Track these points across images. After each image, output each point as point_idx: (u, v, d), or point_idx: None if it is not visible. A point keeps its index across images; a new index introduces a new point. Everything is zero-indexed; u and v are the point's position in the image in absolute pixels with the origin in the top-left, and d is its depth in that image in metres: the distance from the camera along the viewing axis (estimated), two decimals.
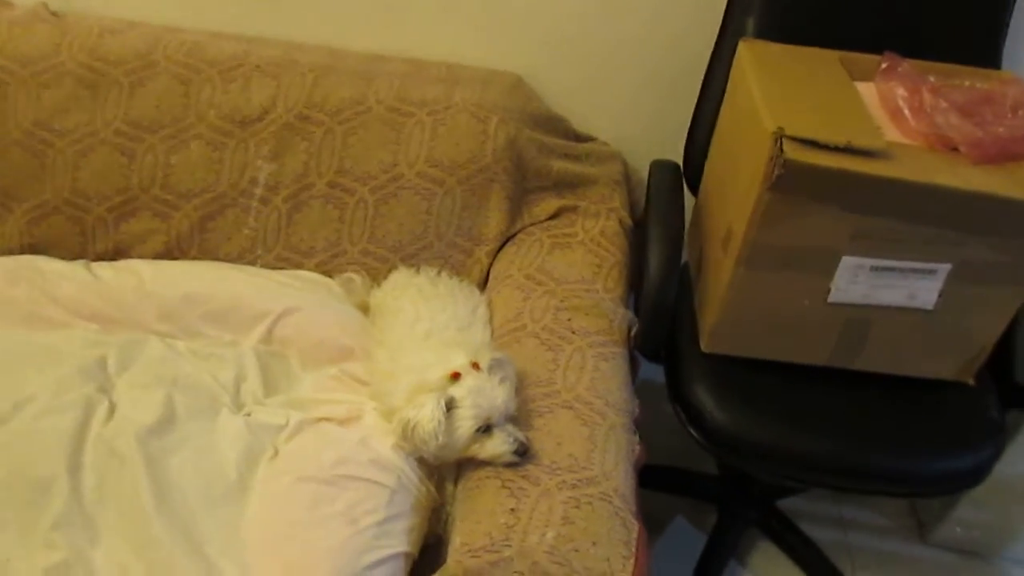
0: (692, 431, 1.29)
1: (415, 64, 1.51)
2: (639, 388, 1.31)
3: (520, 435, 1.09)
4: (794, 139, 1.08)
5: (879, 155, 1.10)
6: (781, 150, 1.07)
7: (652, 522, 1.74)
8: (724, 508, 1.66)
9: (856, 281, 1.19)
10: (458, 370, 1.10)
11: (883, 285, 1.20)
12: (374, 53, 1.53)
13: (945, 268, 1.17)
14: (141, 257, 1.42)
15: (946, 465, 1.28)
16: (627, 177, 1.60)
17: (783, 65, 1.26)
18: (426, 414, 1.05)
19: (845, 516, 1.78)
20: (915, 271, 1.18)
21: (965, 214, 1.12)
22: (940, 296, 1.20)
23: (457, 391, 1.09)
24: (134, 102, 1.39)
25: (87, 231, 1.42)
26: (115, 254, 1.43)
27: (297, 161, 1.40)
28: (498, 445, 1.08)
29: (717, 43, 1.42)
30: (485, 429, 1.09)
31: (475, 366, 1.12)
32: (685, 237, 1.48)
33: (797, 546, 1.68)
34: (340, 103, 1.40)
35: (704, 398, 1.28)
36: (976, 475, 1.29)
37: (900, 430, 1.28)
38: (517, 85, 1.52)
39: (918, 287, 1.20)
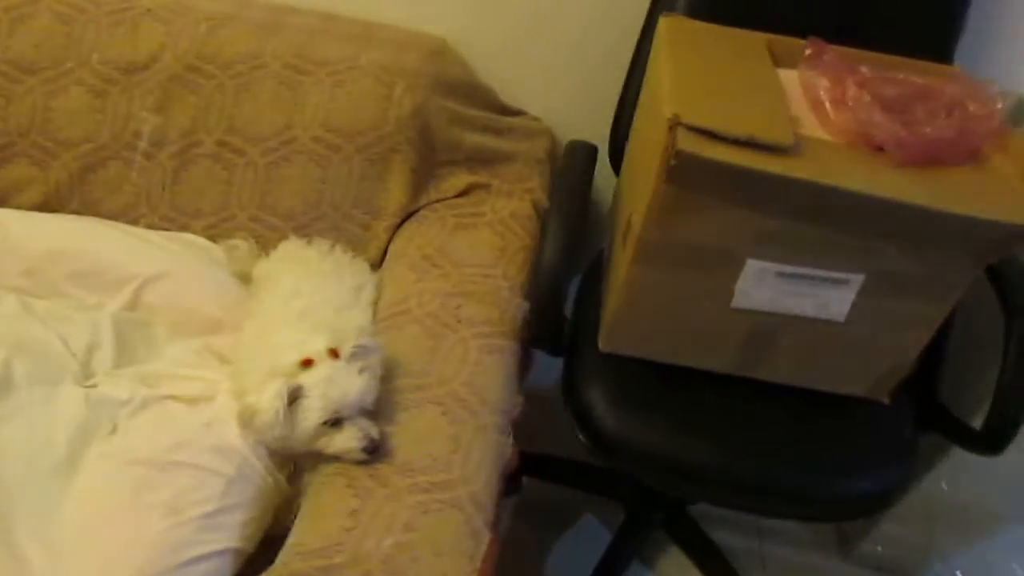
0: (579, 433, 1.21)
1: (328, 19, 1.40)
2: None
3: (373, 431, 1.01)
4: (691, 128, 0.98)
5: (784, 151, 0.99)
6: (675, 139, 0.97)
7: (559, 517, 1.71)
8: (631, 508, 1.59)
9: (761, 286, 1.10)
10: (312, 356, 1.02)
11: (791, 292, 1.10)
12: (287, 5, 1.43)
13: (858, 278, 1.08)
14: (19, 207, 1.33)
15: (848, 486, 1.19)
16: (553, 155, 1.50)
17: (701, 45, 1.15)
18: (264, 402, 0.97)
19: (764, 525, 1.71)
20: (825, 280, 1.09)
21: (878, 221, 1.02)
22: (853, 307, 1.11)
23: (307, 379, 1.00)
24: (13, 40, 1.29)
25: None
26: None
27: (184, 116, 1.31)
28: (346, 441, 1.00)
29: (648, 17, 1.32)
30: (335, 423, 1.01)
31: (333, 353, 1.03)
32: (605, 221, 1.39)
33: (703, 552, 1.61)
34: (234, 56, 1.30)
35: (594, 399, 1.19)
36: (882, 499, 1.21)
37: (801, 446, 1.19)
38: (439, 50, 1.42)
39: (829, 296, 1.10)
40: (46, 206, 1.34)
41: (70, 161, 1.32)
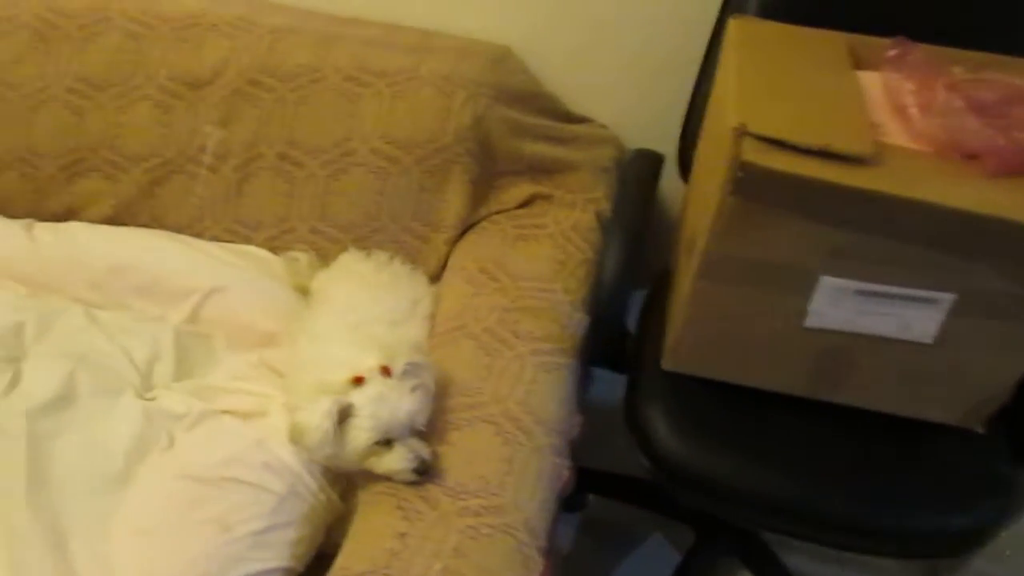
0: (642, 456, 1.15)
1: (389, 29, 1.39)
2: None
3: (424, 452, 0.98)
4: (760, 137, 0.92)
5: (863, 162, 0.92)
6: (740, 150, 0.91)
7: (625, 536, 1.64)
8: (700, 531, 1.52)
9: (837, 305, 1.02)
10: (362, 374, 1.00)
11: (871, 312, 1.02)
12: (349, 16, 1.42)
13: (948, 298, 0.99)
14: (92, 220, 1.36)
15: (939, 523, 1.10)
16: (620, 164, 1.45)
17: (773, 48, 1.08)
18: (313, 420, 0.96)
19: (845, 553, 1.61)
20: (909, 299, 1.00)
21: (969, 237, 0.93)
22: (942, 329, 1.02)
23: (357, 398, 0.98)
24: (85, 57, 1.32)
25: (40, 189, 1.37)
26: (67, 214, 1.38)
27: (247, 129, 1.31)
28: (396, 461, 0.97)
29: (718, 19, 1.25)
30: (385, 442, 0.98)
31: (385, 370, 1.01)
32: (673, 234, 1.33)
33: None
34: (295, 69, 1.29)
35: (657, 420, 1.14)
36: (975, 538, 1.11)
37: (884, 479, 1.10)
38: (501, 58, 1.39)
39: (914, 317, 1.02)
40: (117, 219, 1.37)
41: (139, 175, 1.34)
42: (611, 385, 1.35)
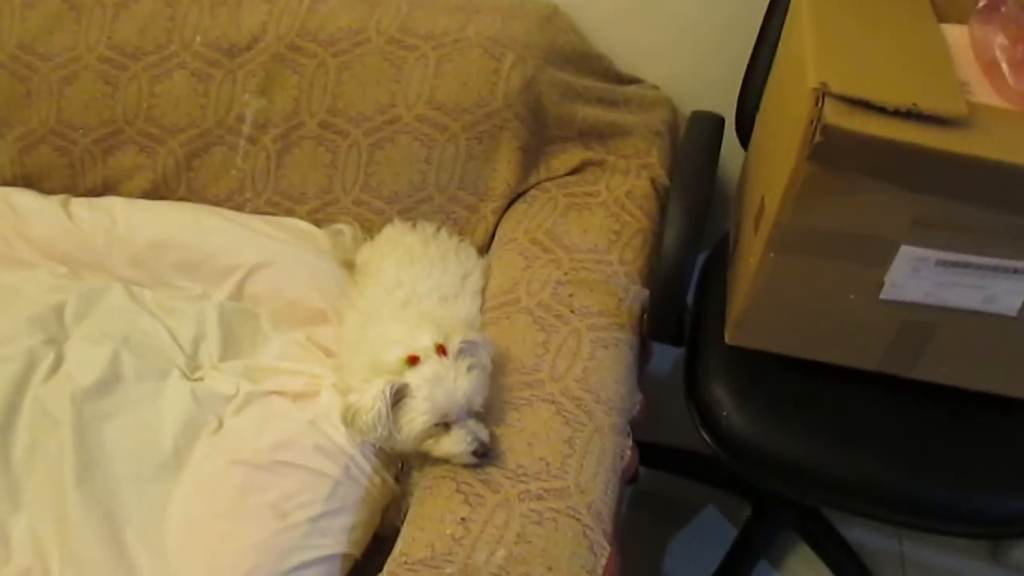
0: (704, 434, 1.10)
1: None
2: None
3: (483, 434, 0.94)
4: (842, 98, 0.85)
5: (954, 124, 0.85)
6: (821, 112, 0.85)
7: (679, 510, 1.61)
8: (758, 504, 1.48)
9: (917, 276, 0.96)
10: (418, 353, 0.96)
11: (952, 284, 0.96)
12: None
13: None
14: (129, 194, 1.33)
15: (1017, 506, 1.06)
16: (673, 127, 1.38)
17: (850, 1, 1.01)
18: (366, 402, 0.92)
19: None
20: (995, 269, 0.94)
21: None
22: None
23: (413, 378, 0.94)
24: (118, 25, 1.27)
25: (75, 164, 1.33)
26: (104, 189, 1.34)
27: (287, 97, 1.26)
28: (454, 444, 0.93)
29: None
30: (442, 424, 0.95)
31: (441, 350, 0.97)
32: (732, 201, 1.27)
33: (837, 553, 1.47)
34: (336, 32, 1.24)
35: (722, 397, 1.09)
36: None
37: (964, 458, 1.05)
38: (550, 17, 1.32)
39: (998, 289, 0.96)
40: (155, 193, 1.33)
41: (176, 148, 1.30)
42: (660, 354, 1.31)
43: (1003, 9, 0.95)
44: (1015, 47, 0.92)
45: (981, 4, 0.96)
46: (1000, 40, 0.93)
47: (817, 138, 0.86)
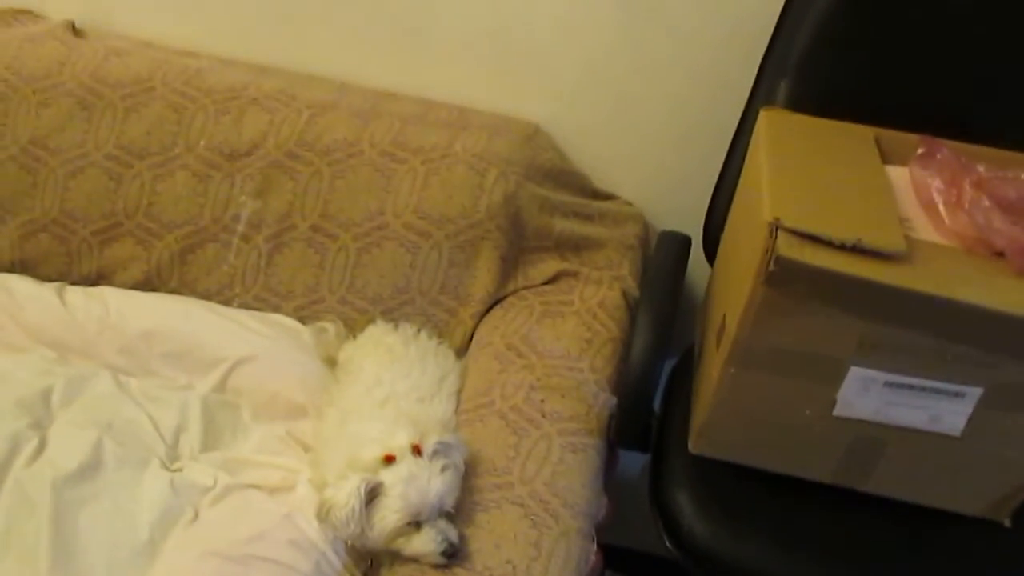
0: (667, 540, 1.14)
1: (425, 105, 1.42)
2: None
3: (452, 534, 0.98)
4: (793, 232, 0.94)
5: (895, 258, 0.94)
6: (775, 244, 0.93)
7: None
8: None
9: (866, 395, 1.03)
10: (394, 452, 1.00)
11: (900, 403, 1.03)
12: (386, 90, 1.46)
13: (975, 392, 1.00)
14: (122, 284, 1.38)
15: None
16: (644, 242, 1.47)
17: (803, 140, 1.11)
18: (341, 498, 0.95)
19: None
20: (938, 391, 1.01)
21: (998, 334, 0.94)
22: (969, 422, 1.02)
23: (388, 477, 0.98)
24: (127, 127, 1.35)
25: (72, 252, 1.38)
26: (97, 278, 1.39)
27: (282, 200, 1.34)
28: (425, 544, 0.96)
29: (746, 107, 1.28)
30: (414, 523, 0.98)
31: (416, 449, 1.01)
32: (699, 312, 1.34)
33: None
34: (332, 143, 1.32)
35: (684, 504, 1.14)
36: None
37: (910, 569, 1.10)
38: (532, 136, 1.42)
39: (942, 409, 1.02)
40: (147, 284, 1.38)
41: (172, 242, 1.36)
42: (630, 458, 1.35)
43: (939, 156, 1.05)
44: (950, 190, 1.02)
45: (920, 151, 1.07)
46: (937, 183, 1.03)
47: (772, 267, 0.94)
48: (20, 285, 1.33)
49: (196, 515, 1.05)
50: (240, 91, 1.36)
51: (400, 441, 1.01)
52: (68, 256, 1.39)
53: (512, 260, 1.35)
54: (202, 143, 1.34)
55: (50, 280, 1.39)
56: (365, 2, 1.43)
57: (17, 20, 1.50)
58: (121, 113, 1.36)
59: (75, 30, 1.50)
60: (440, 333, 1.33)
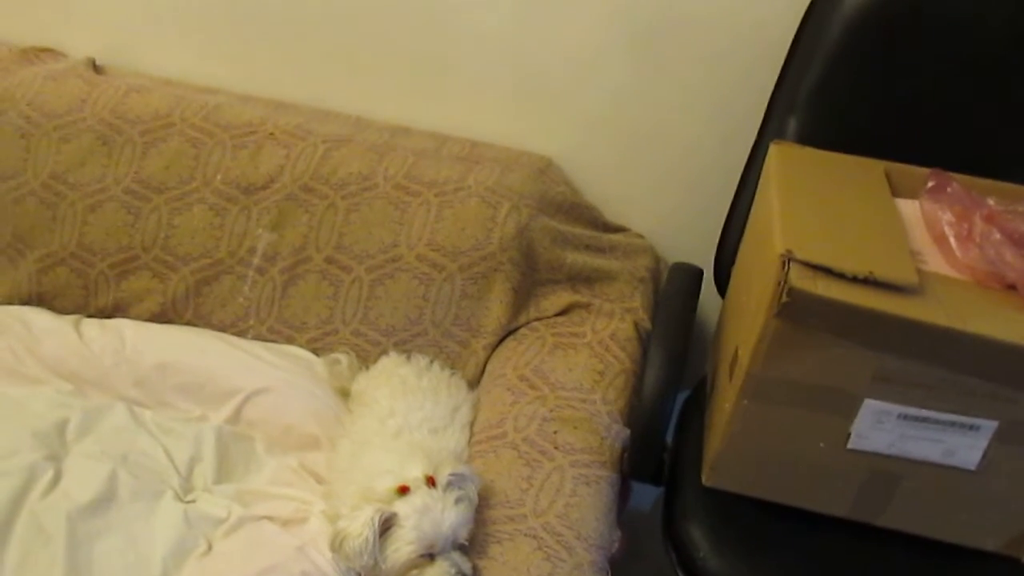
0: (681, 574, 1.14)
1: (439, 139, 1.45)
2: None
3: (466, 567, 0.98)
4: (805, 264, 0.94)
5: (907, 291, 0.94)
6: (787, 276, 0.94)
7: None
8: None
9: (881, 428, 1.03)
10: (408, 484, 1.00)
11: (914, 436, 1.02)
12: (401, 125, 1.49)
13: (990, 425, 0.99)
14: (138, 316, 1.39)
15: None
16: (656, 274, 1.48)
17: (814, 174, 1.12)
18: (355, 529, 0.95)
19: None
20: (952, 424, 1.01)
21: (1010, 367, 0.94)
22: (984, 456, 1.02)
23: (402, 508, 0.98)
24: (146, 162, 1.38)
25: (89, 285, 1.40)
26: (114, 310, 1.41)
27: (297, 233, 1.35)
28: None
29: (757, 139, 1.30)
30: (427, 555, 0.98)
31: (430, 481, 1.01)
32: (711, 344, 1.34)
33: None
34: (347, 177, 1.34)
35: (697, 537, 1.13)
36: None
37: None
38: (544, 169, 1.44)
39: (957, 443, 1.02)
40: (162, 316, 1.39)
41: (188, 275, 1.38)
42: (643, 491, 1.34)
43: (949, 190, 1.06)
44: (960, 224, 1.03)
45: (930, 184, 1.08)
46: (947, 217, 1.04)
47: (784, 299, 0.94)
48: (38, 318, 1.35)
49: (209, 547, 1.05)
50: (257, 126, 1.39)
51: (414, 472, 1.02)
52: (85, 289, 1.41)
53: (524, 292, 1.35)
54: (219, 177, 1.36)
55: (67, 313, 1.40)
56: (381, 40, 1.46)
57: (40, 58, 1.53)
58: (140, 148, 1.38)
59: (96, 68, 1.54)
60: (453, 364, 1.34)
